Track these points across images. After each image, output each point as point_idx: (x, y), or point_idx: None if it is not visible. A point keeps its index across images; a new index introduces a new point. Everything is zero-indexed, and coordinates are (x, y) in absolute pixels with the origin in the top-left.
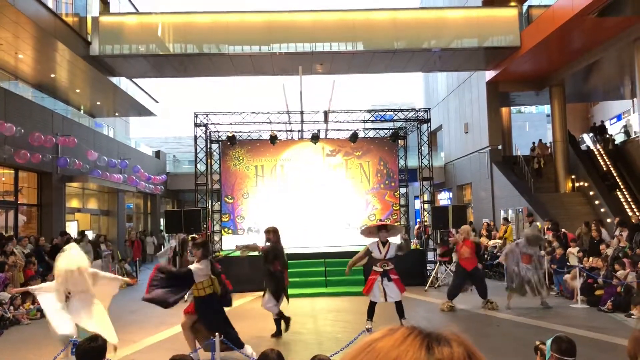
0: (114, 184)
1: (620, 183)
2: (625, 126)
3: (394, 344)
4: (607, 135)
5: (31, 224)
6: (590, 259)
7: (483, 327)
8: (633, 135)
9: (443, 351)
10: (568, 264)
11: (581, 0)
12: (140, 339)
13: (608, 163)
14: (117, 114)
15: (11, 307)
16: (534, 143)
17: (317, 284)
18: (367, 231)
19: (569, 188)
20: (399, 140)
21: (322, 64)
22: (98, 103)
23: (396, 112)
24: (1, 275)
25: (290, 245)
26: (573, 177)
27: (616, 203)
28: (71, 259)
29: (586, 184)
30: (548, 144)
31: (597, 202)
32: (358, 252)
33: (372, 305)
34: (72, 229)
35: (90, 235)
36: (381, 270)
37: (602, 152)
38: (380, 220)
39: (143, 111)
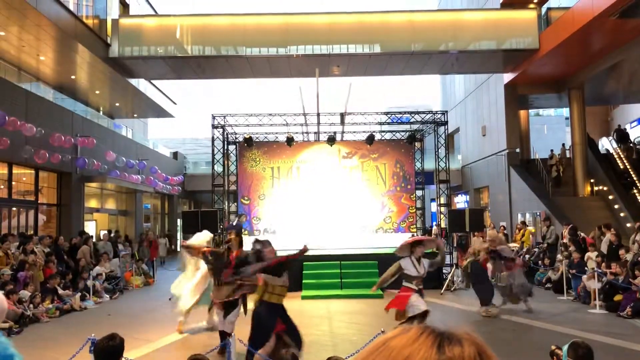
0: (132, 184)
1: (638, 183)
2: None
3: (407, 342)
4: (630, 144)
5: (50, 224)
6: (611, 264)
7: (499, 331)
8: None
9: (454, 350)
10: (586, 268)
11: (602, 2)
12: (158, 338)
13: (627, 166)
14: (135, 115)
15: (31, 305)
16: (552, 151)
17: (332, 286)
18: (403, 249)
19: (588, 192)
20: (416, 143)
21: (338, 66)
22: (117, 104)
23: (413, 115)
24: (22, 273)
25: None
26: (592, 180)
27: (636, 207)
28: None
29: (605, 188)
30: (567, 147)
31: (616, 206)
32: (375, 254)
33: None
34: (90, 228)
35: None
36: (416, 288)
37: (623, 157)
38: (403, 227)
39: (161, 112)
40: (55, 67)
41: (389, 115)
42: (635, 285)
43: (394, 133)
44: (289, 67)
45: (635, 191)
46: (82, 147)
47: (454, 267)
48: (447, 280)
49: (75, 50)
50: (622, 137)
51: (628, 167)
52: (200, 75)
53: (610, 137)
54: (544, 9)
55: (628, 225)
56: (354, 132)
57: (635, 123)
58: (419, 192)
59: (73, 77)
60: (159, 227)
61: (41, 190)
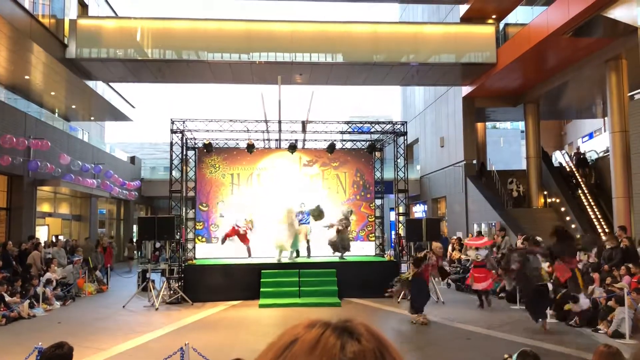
0: (87, 188)
1: (583, 184)
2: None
3: (310, 344)
4: (587, 169)
5: None
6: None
7: (452, 340)
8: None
9: (354, 350)
10: None
11: (556, 20)
12: (109, 346)
13: (574, 171)
14: (92, 118)
15: None
16: (513, 178)
17: (290, 294)
18: None
19: (541, 204)
20: (376, 152)
21: (301, 75)
22: (73, 106)
23: (373, 125)
24: None
25: (264, 255)
26: (545, 192)
27: (586, 219)
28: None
29: (558, 200)
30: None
31: (568, 218)
32: (333, 262)
33: None
34: (42, 233)
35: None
36: None
37: (581, 181)
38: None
39: (119, 116)
40: (8, 66)
41: (349, 125)
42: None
43: (354, 142)
44: (251, 74)
45: (579, 192)
46: (36, 149)
47: None
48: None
49: (30, 50)
50: (581, 161)
51: (575, 172)
52: (160, 79)
53: (564, 151)
54: (501, 25)
55: (578, 236)
56: (315, 140)
57: (586, 138)
58: (378, 201)
59: (27, 77)
60: (114, 233)
61: None
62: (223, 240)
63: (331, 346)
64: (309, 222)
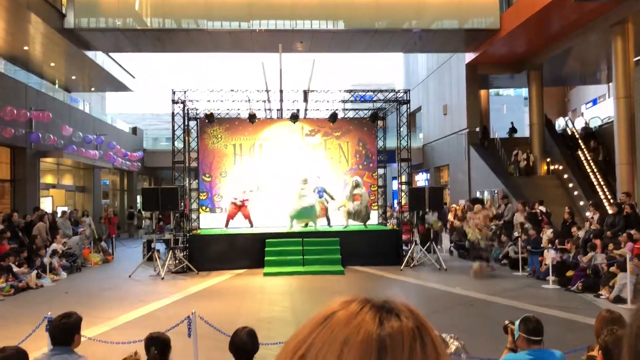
0: (89, 160)
1: (582, 144)
2: None
3: (348, 318)
4: (593, 143)
5: (4, 200)
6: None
7: (456, 306)
8: (607, 120)
9: (393, 324)
10: (542, 245)
11: None
12: (116, 315)
13: (576, 135)
14: (93, 89)
15: None
16: (517, 150)
17: (294, 263)
18: None
19: (544, 171)
20: (378, 121)
21: (302, 42)
22: (73, 77)
23: (376, 93)
24: None
25: (268, 224)
26: (548, 160)
27: (588, 185)
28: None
29: (561, 167)
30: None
31: (570, 185)
32: (336, 231)
33: None
34: (46, 204)
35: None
36: None
37: (589, 159)
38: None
39: (120, 86)
40: (6, 37)
41: (352, 93)
42: (582, 262)
43: (357, 111)
44: (251, 42)
45: (581, 157)
46: (37, 121)
47: (414, 243)
48: (407, 257)
49: (28, 20)
50: (589, 135)
51: (577, 136)
52: (159, 49)
53: (567, 118)
54: None
55: (581, 203)
56: (317, 109)
57: (590, 104)
58: (380, 170)
59: (26, 48)
60: (118, 204)
61: None
62: (227, 224)
63: (369, 320)
64: (322, 196)
